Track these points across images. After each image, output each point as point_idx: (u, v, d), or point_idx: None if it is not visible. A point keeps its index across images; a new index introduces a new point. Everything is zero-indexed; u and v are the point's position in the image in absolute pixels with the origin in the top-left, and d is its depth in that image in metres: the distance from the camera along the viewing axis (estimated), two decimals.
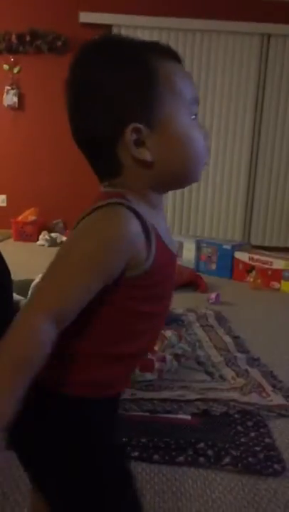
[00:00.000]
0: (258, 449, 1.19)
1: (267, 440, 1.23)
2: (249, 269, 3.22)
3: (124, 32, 4.42)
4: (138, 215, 0.56)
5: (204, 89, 4.57)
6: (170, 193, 4.70)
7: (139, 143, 0.57)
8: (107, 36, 0.66)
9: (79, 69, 0.61)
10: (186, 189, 4.72)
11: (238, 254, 3.31)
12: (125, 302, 0.59)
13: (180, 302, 2.55)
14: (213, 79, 4.57)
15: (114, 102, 0.57)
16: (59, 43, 4.17)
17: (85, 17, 4.23)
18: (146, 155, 0.57)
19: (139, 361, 0.71)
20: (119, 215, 0.55)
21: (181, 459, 1.15)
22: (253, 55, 4.55)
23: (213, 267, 3.41)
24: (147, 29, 4.44)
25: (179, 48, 4.49)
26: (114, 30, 4.39)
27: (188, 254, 3.56)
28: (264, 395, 1.48)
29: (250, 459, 1.14)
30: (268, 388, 1.53)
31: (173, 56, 0.60)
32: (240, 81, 4.60)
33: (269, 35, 4.50)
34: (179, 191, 4.73)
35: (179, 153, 0.58)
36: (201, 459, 1.14)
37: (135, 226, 0.55)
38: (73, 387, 0.60)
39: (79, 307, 0.55)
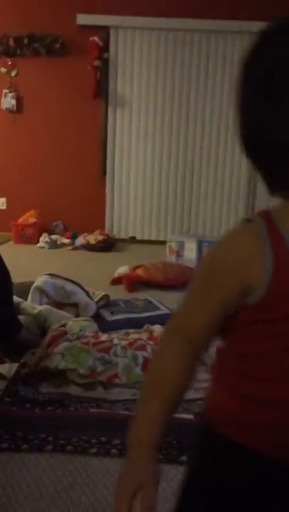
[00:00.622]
0: None
1: None
2: None
3: (121, 34, 4.44)
4: (272, 232, 0.50)
5: (204, 89, 4.58)
6: (171, 193, 4.72)
7: None
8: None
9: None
10: (188, 189, 4.73)
11: None
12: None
13: None
14: (212, 79, 4.58)
15: None
16: (57, 46, 4.18)
17: (83, 19, 4.24)
18: None
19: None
20: (234, 234, 0.54)
21: (183, 458, 1.15)
22: None
23: None
24: (146, 30, 4.44)
25: (178, 48, 4.50)
26: (112, 32, 4.41)
27: (189, 254, 3.56)
28: None
29: None
30: None
31: None
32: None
33: None
34: (180, 191, 4.74)
35: None
36: None
37: (248, 245, 0.50)
38: None
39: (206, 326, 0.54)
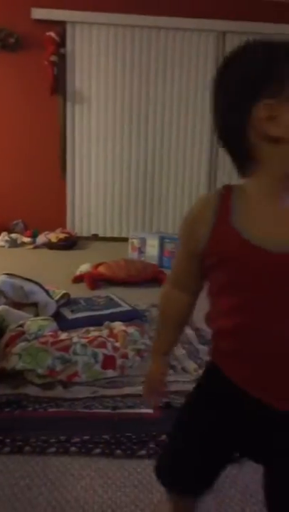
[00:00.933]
0: None
1: None
2: None
3: (78, 29, 4.39)
4: (223, 202, 0.64)
5: (162, 85, 4.60)
6: (132, 190, 4.72)
7: (271, 118, 0.59)
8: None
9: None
10: (149, 186, 4.74)
11: None
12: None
13: (144, 298, 2.56)
14: (170, 76, 4.60)
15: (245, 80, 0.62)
16: (11, 40, 4.08)
17: (38, 13, 4.16)
18: (279, 129, 0.59)
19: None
20: (199, 198, 0.70)
21: (143, 452, 1.15)
22: (210, 52, 4.61)
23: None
24: (103, 26, 4.41)
25: (135, 45, 4.50)
26: (68, 27, 4.35)
27: (151, 251, 3.57)
28: None
29: None
30: None
31: None
32: (197, 78, 4.65)
33: (224, 33, 4.58)
34: (141, 188, 4.74)
35: None
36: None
37: (201, 208, 0.67)
38: None
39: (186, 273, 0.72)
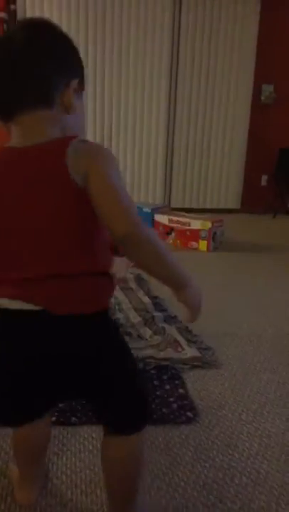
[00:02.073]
0: (172, 399, 1.24)
1: (180, 391, 1.29)
2: (168, 231, 3.29)
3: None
4: None
5: (118, 44, 4.45)
6: None
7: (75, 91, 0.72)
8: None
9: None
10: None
11: (157, 217, 3.36)
12: None
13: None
14: (127, 33, 4.45)
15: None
16: None
17: None
18: (75, 101, 0.71)
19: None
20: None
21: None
22: (166, 12, 4.48)
23: None
24: None
25: (90, 1, 4.30)
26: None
27: None
28: (179, 349, 1.54)
29: (164, 410, 1.19)
30: (184, 343, 1.59)
31: None
32: (154, 40, 4.52)
33: None
34: None
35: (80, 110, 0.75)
36: None
37: None
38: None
39: None
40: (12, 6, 4.13)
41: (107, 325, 0.73)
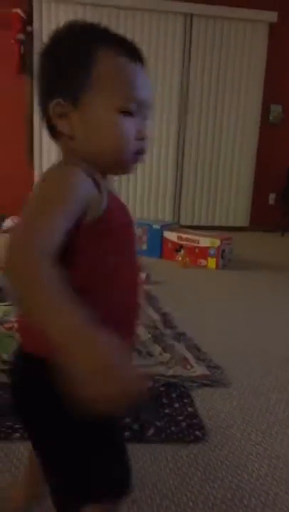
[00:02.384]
0: (180, 418, 1.25)
1: (189, 409, 1.30)
2: (178, 248, 3.31)
3: (45, 6, 4.25)
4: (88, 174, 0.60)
5: None
6: None
7: (62, 115, 0.63)
8: (73, 22, 0.67)
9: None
10: None
11: (166, 234, 3.38)
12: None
13: None
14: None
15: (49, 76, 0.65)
16: None
17: None
18: (64, 128, 0.63)
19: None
20: (74, 170, 0.59)
21: None
22: (177, 35, 4.58)
23: (144, 247, 3.46)
24: (70, 3, 4.30)
25: (103, 24, 4.40)
26: (35, 4, 4.22)
27: None
28: (188, 367, 1.55)
29: (172, 429, 1.20)
30: (192, 360, 1.60)
31: (128, 53, 0.65)
32: (165, 60, 4.61)
33: (192, 15, 4.55)
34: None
35: (96, 138, 0.63)
36: (127, 433, 1.18)
37: (86, 177, 0.59)
38: None
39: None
40: (29, 28, 4.25)
41: (45, 382, 0.56)
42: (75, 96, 0.62)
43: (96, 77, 0.62)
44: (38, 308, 0.47)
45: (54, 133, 0.66)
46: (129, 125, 0.64)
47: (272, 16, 4.61)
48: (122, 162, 0.66)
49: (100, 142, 0.63)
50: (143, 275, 2.69)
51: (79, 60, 0.62)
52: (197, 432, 1.20)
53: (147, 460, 1.09)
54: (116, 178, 0.69)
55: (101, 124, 0.63)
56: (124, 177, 4.70)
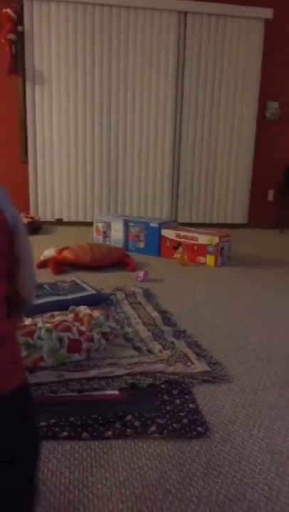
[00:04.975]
0: (182, 414, 1.24)
1: (191, 405, 1.29)
2: (176, 245, 3.31)
3: (36, 6, 4.23)
4: None
5: (124, 63, 4.53)
6: (97, 173, 4.66)
7: None
8: None
9: None
10: (113, 168, 4.70)
11: (164, 232, 3.38)
12: None
13: (109, 282, 2.56)
14: (132, 55, 4.54)
15: None
16: None
17: None
18: None
19: None
20: None
21: (109, 433, 1.17)
22: (171, 32, 4.57)
23: (142, 245, 3.45)
24: (61, 3, 4.28)
25: (96, 23, 4.40)
26: (26, 4, 4.20)
27: (116, 235, 3.57)
28: (189, 363, 1.54)
29: (174, 425, 1.19)
30: (193, 357, 1.59)
31: None
32: (159, 58, 4.60)
33: (186, 13, 4.54)
34: (105, 171, 4.69)
35: None
36: (129, 430, 1.17)
37: None
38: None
39: None
40: (20, 28, 4.24)
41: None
42: None
43: None
44: None
45: None
46: None
47: (267, 13, 4.61)
48: None
49: None
50: (141, 273, 2.69)
51: None
52: (199, 428, 1.19)
53: (150, 457, 1.09)
54: None
55: None
56: (121, 175, 4.70)
